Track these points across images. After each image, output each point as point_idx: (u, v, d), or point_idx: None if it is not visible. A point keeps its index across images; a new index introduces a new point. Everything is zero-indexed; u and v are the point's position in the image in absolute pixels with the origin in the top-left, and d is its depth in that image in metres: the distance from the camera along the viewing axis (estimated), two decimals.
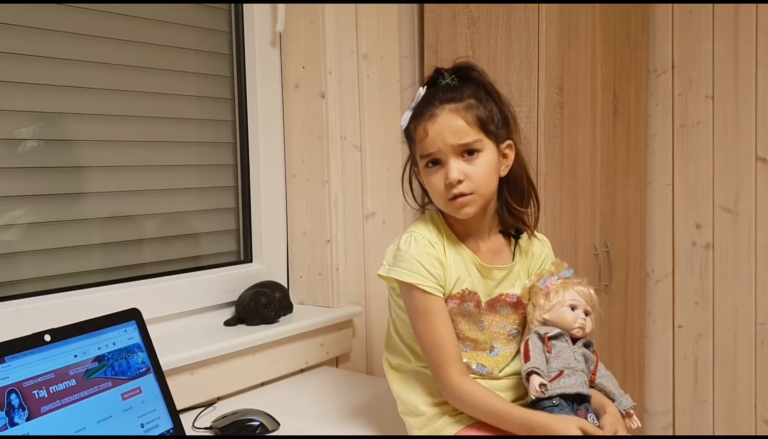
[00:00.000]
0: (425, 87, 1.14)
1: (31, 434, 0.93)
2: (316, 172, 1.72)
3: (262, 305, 1.55)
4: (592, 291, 1.15)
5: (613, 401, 1.11)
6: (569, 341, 1.10)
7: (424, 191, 1.21)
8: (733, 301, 2.27)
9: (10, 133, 1.32)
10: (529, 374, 1.04)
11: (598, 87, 1.95)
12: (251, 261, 1.76)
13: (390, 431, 1.28)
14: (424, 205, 1.24)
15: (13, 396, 0.93)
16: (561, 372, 1.05)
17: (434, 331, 1.11)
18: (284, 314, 1.62)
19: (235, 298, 1.61)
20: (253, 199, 1.74)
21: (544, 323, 1.12)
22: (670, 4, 2.32)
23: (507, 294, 1.18)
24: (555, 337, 1.09)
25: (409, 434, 1.20)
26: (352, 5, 1.75)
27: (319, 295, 1.74)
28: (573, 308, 1.12)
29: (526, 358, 1.07)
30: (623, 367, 2.21)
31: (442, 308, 1.12)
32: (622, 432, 1.06)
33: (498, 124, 1.12)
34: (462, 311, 1.15)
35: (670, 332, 2.41)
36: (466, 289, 1.14)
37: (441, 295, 1.12)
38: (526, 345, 1.09)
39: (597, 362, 1.12)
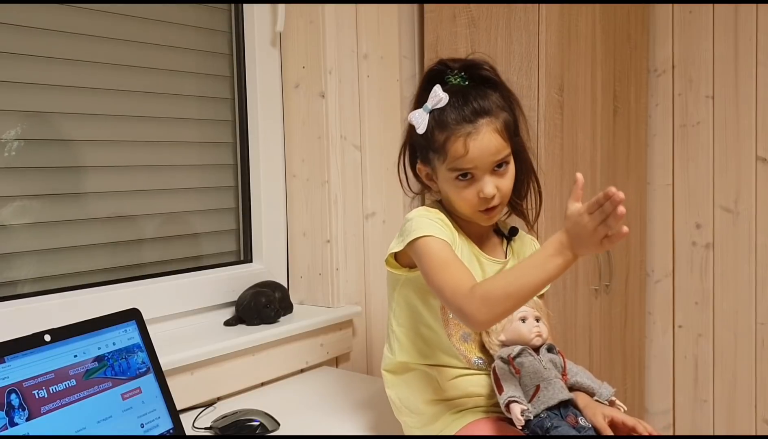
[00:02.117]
0: (439, 87, 1.10)
1: (31, 434, 0.93)
2: (316, 172, 1.72)
3: (262, 305, 1.55)
4: (534, 296, 1.15)
5: (592, 395, 1.10)
6: (533, 354, 1.09)
7: (423, 185, 1.21)
8: (733, 301, 2.27)
9: (9, 132, 1.32)
10: (507, 405, 1.03)
11: (598, 87, 1.95)
12: (251, 261, 1.76)
13: (389, 432, 1.28)
14: (420, 193, 1.25)
15: (13, 396, 0.93)
16: (537, 387, 1.05)
17: (453, 268, 1.04)
18: (284, 314, 1.62)
19: (235, 298, 1.61)
20: (253, 199, 1.74)
21: (503, 344, 1.12)
22: (670, 4, 2.32)
23: None
24: (518, 355, 1.08)
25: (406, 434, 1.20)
26: (352, 5, 1.75)
27: (319, 295, 1.74)
28: (523, 320, 1.11)
29: (499, 389, 1.06)
30: (623, 367, 2.21)
31: (457, 256, 1.08)
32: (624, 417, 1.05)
33: (515, 122, 1.13)
34: None
35: (670, 332, 2.41)
36: None
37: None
38: (495, 375, 1.08)
39: (564, 362, 1.12)
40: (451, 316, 1.15)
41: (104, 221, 1.48)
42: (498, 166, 1.09)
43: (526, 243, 1.25)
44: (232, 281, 1.63)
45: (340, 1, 1.71)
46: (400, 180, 1.22)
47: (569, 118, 1.81)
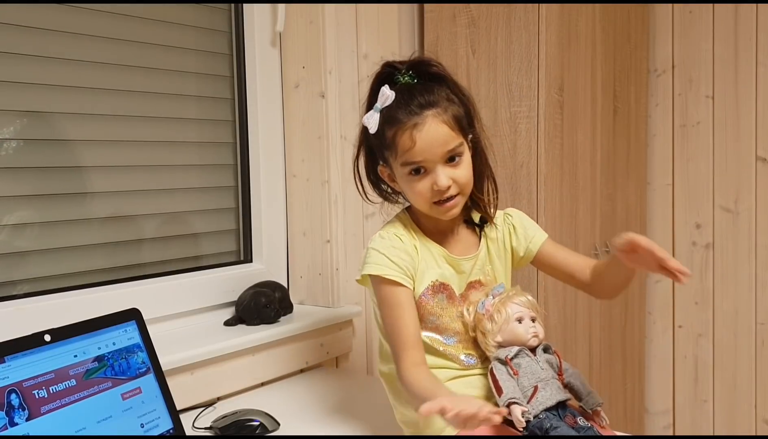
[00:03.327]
0: (386, 86, 1.11)
1: (31, 434, 0.93)
2: (316, 172, 1.72)
3: (262, 305, 1.55)
4: (528, 296, 1.15)
5: (580, 399, 1.10)
6: (530, 354, 1.09)
7: (392, 190, 1.21)
8: (733, 301, 2.27)
9: (8, 132, 1.32)
10: (508, 406, 1.02)
11: (598, 87, 1.95)
12: (251, 261, 1.76)
13: (389, 432, 1.27)
14: (387, 199, 1.23)
15: (13, 396, 0.93)
16: (535, 388, 1.04)
17: (397, 319, 1.11)
18: (284, 314, 1.62)
19: (235, 298, 1.61)
20: (253, 199, 1.74)
21: (500, 345, 1.12)
22: (670, 4, 2.32)
23: (479, 280, 1.19)
24: (515, 356, 1.08)
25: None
26: (352, 5, 1.75)
27: (319, 295, 1.74)
28: (519, 320, 1.11)
29: (498, 390, 1.05)
30: (623, 367, 2.21)
31: (408, 299, 1.13)
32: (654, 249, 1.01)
33: (467, 115, 1.13)
34: (437, 303, 1.16)
35: (670, 332, 2.41)
36: (437, 280, 1.16)
37: (408, 285, 1.13)
38: (493, 376, 1.08)
39: (560, 362, 1.12)
40: (431, 325, 1.17)
41: (104, 221, 1.48)
42: (451, 158, 1.09)
43: (500, 224, 1.24)
44: (232, 281, 1.63)
45: (340, 1, 1.71)
46: (357, 188, 1.21)
47: (569, 118, 1.81)
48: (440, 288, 1.16)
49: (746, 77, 2.19)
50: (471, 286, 1.19)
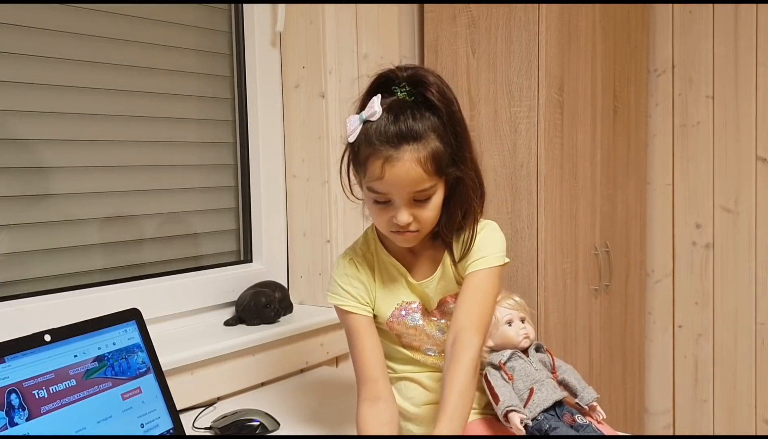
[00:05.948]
0: (378, 99, 1.01)
1: (31, 434, 0.93)
2: (316, 172, 1.72)
3: (262, 305, 1.55)
4: (516, 298, 1.15)
5: (575, 395, 1.10)
6: (522, 356, 1.10)
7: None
8: (733, 301, 2.27)
9: (10, 132, 1.32)
10: (506, 415, 1.02)
11: (598, 87, 1.95)
12: (251, 261, 1.76)
13: None
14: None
15: (13, 396, 0.93)
16: (531, 390, 1.05)
17: (353, 347, 1.13)
18: (284, 314, 1.62)
19: (235, 298, 1.61)
20: (253, 199, 1.74)
21: (491, 350, 1.12)
22: (670, 4, 2.32)
23: (451, 295, 1.15)
24: (509, 359, 1.09)
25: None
26: (352, 5, 1.75)
27: (320, 295, 1.74)
28: (509, 323, 1.11)
29: (494, 397, 1.05)
30: (623, 367, 2.21)
31: (364, 326, 1.13)
32: None
33: (451, 154, 1.03)
34: (411, 320, 1.15)
35: (670, 332, 2.41)
36: (403, 301, 1.15)
37: (364, 312, 1.13)
38: (488, 382, 1.07)
39: (553, 359, 1.12)
40: (408, 341, 1.17)
41: (104, 221, 1.48)
42: (419, 197, 1.02)
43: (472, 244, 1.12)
44: (232, 281, 1.63)
45: (340, 1, 1.71)
46: (342, 185, 1.10)
47: (569, 118, 1.81)
48: (410, 307, 1.15)
49: (746, 77, 2.19)
50: (445, 301, 1.16)
